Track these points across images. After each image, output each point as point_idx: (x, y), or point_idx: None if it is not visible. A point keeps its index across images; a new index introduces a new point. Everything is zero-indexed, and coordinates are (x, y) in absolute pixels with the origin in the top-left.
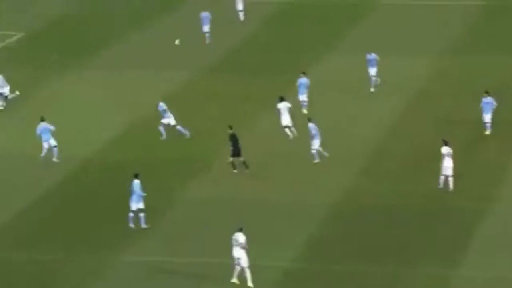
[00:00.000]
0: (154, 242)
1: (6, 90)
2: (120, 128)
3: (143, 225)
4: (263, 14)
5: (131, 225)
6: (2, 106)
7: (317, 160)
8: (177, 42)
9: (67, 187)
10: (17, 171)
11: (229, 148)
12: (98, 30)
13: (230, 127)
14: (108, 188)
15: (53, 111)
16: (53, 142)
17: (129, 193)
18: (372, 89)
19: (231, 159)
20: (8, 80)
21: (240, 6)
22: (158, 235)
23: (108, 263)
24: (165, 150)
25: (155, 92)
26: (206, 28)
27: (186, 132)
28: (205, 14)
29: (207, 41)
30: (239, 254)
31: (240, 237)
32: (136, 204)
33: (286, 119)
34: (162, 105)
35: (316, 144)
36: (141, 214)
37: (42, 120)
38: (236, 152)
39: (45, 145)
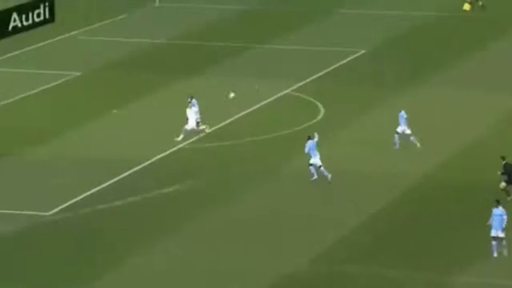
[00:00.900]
0: (492, 263)
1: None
2: (452, 149)
3: (505, 253)
4: None
5: (494, 254)
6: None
7: None
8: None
9: (404, 202)
10: (351, 187)
11: (503, 177)
12: (439, 49)
13: (503, 158)
14: (446, 206)
15: (387, 130)
16: (318, 161)
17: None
18: None
19: (503, 184)
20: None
21: None
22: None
23: (445, 284)
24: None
25: (492, 112)
26: None
27: (416, 142)
28: None
29: None
30: None
31: None
32: (495, 232)
33: None
34: (403, 114)
35: None
36: (502, 243)
37: (309, 138)
38: (510, 181)
39: (315, 162)
